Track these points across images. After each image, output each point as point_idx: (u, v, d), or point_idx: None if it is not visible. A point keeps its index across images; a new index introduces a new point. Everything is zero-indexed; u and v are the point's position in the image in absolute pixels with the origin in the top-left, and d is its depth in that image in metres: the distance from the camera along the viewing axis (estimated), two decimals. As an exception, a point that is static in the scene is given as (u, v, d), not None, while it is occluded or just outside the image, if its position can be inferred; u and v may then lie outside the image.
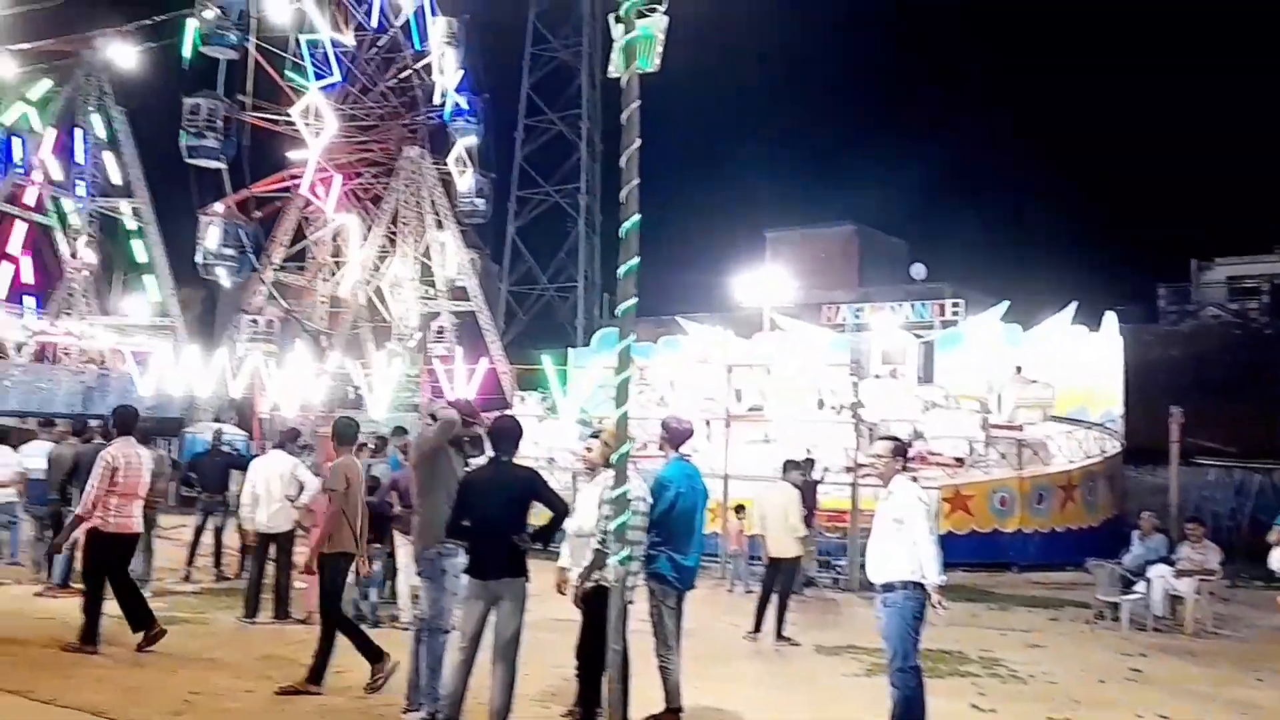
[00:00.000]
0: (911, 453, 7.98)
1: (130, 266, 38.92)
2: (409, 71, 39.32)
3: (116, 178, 37.46)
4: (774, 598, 11.04)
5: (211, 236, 34.89)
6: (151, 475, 11.47)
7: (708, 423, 18.90)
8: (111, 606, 8.78)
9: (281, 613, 10.78)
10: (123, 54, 35.21)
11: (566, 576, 7.01)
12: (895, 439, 7.48)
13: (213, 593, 12.56)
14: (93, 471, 8.85)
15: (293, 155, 36.18)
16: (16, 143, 34.59)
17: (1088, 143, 60.27)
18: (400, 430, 13.31)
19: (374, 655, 7.75)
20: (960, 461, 19.77)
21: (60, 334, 35.33)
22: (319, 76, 36.18)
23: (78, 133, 36.85)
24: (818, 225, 45.28)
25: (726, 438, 17.16)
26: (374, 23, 38.25)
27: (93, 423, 15.91)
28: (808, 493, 13.40)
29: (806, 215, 47.20)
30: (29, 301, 36.81)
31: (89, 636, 8.66)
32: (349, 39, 37.69)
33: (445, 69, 38.80)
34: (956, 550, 15.91)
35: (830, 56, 72.09)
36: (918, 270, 39.52)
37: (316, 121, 35.40)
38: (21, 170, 34.94)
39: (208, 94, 34.37)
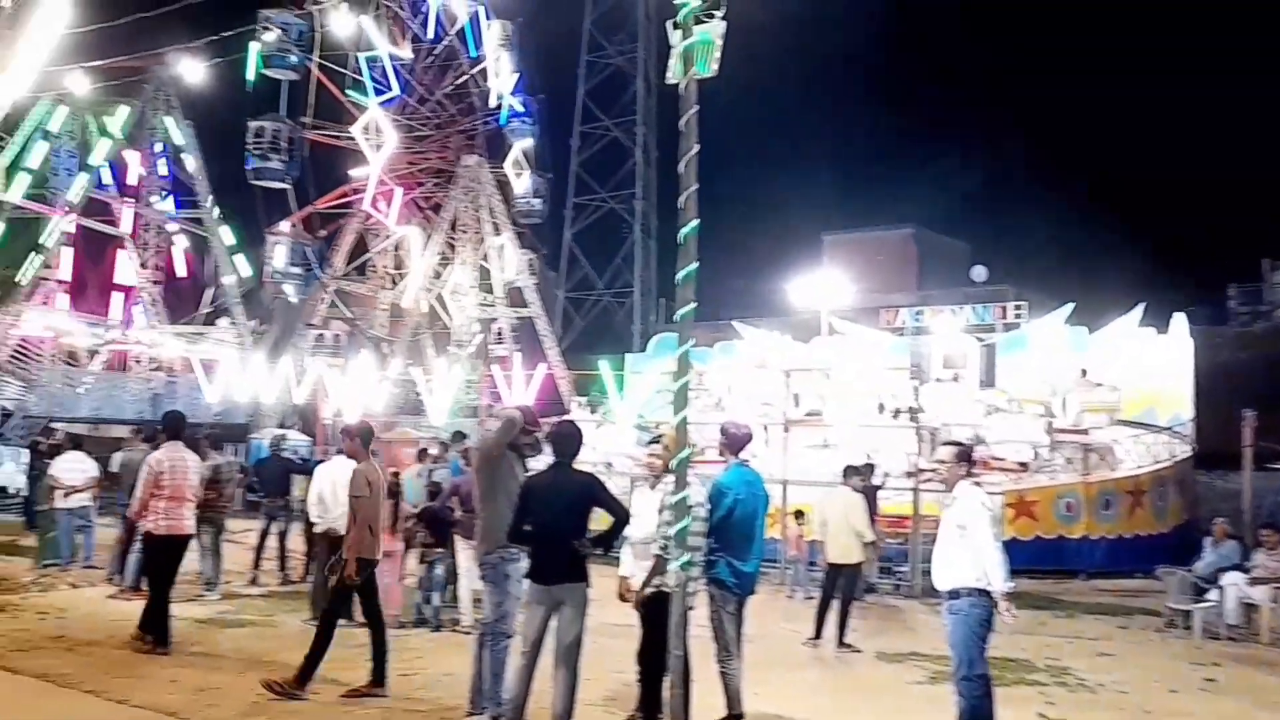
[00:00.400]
0: (974, 457, 7.86)
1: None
2: (465, 78, 39.73)
3: (189, 191, 38.48)
4: (835, 604, 10.96)
5: (279, 255, 35.85)
6: (221, 481, 11.76)
7: (766, 428, 18.79)
8: (183, 609, 8.97)
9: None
10: (190, 69, 36.08)
11: (629, 583, 7.02)
12: (959, 444, 7.39)
13: (279, 596, 12.77)
14: (139, 476, 9.14)
15: (355, 172, 36.85)
16: (101, 160, 35.81)
17: (1155, 140, 59.03)
18: (460, 435, 13.47)
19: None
20: (1024, 466, 19.44)
21: (130, 343, 36.28)
22: (378, 92, 36.78)
23: (152, 147, 37.91)
24: (876, 228, 44.86)
25: (785, 442, 17.05)
26: (430, 34, 38.72)
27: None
28: (868, 498, 13.27)
29: (864, 218, 46.83)
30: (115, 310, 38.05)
31: (160, 638, 8.90)
32: (406, 52, 38.23)
33: (500, 73, 39.16)
34: (1021, 556, 15.59)
35: (889, 57, 71.47)
36: (979, 273, 38.95)
37: (377, 136, 36.02)
38: (112, 188, 36.23)
39: (272, 116, 35.25)
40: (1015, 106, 67.77)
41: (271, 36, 34.70)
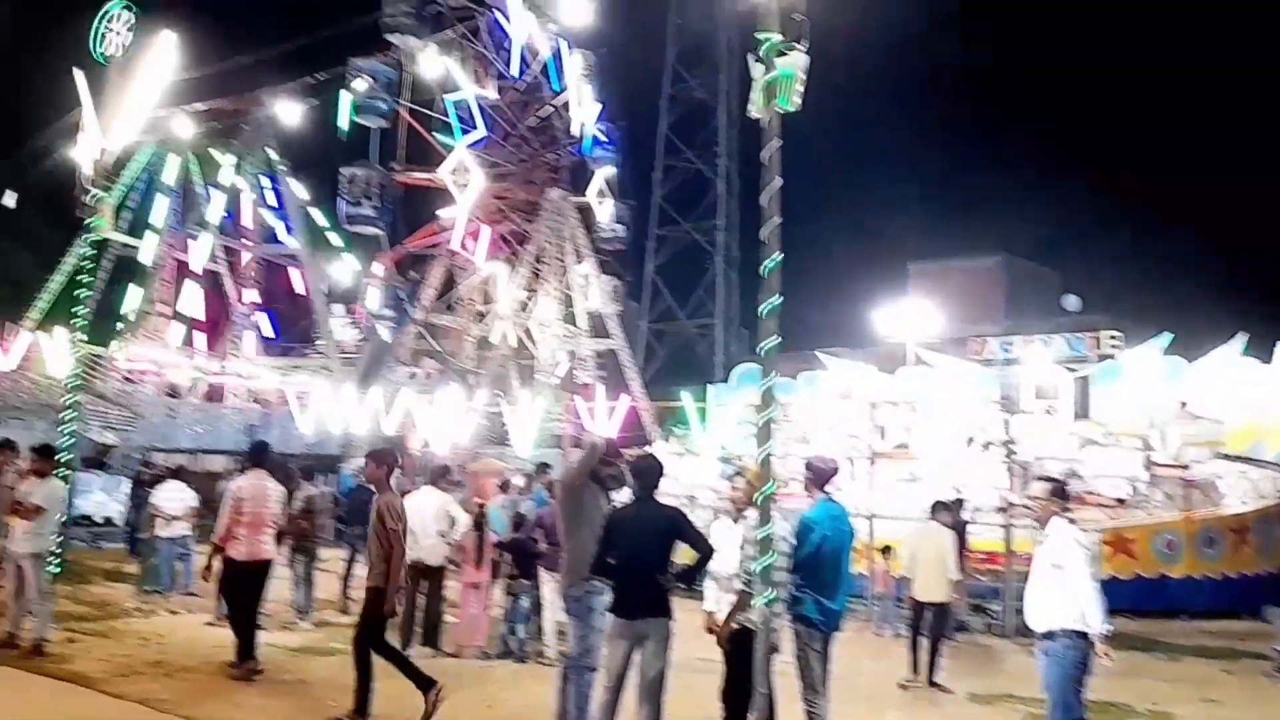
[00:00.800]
0: (1069, 493, 7.66)
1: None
2: (548, 111, 40.31)
3: (281, 228, 39.80)
4: (923, 642, 10.71)
5: (373, 297, 36.92)
6: (313, 511, 12.05)
7: (851, 461, 18.53)
8: (277, 637, 9.17)
9: (432, 644, 11.06)
10: (286, 111, 37.35)
11: (714, 618, 6.98)
12: (1053, 480, 7.22)
13: (368, 624, 12.94)
14: (221, 503, 9.45)
15: (443, 213, 37.71)
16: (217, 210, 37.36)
17: (1255, 164, 56.99)
18: (544, 467, 13.54)
19: (360, 706, 7.67)
20: (1121, 502, 18.81)
21: (228, 375, 37.45)
22: (465, 132, 37.61)
23: (245, 183, 39.31)
24: (962, 256, 44.17)
25: (871, 476, 16.79)
26: (514, 70, 39.43)
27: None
28: (958, 533, 12.98)
29: (950, 246, 46.14)
30: (199, 342, 39.35)
31: (244, 654, 9.20)
32: (491, 92, 39.01)
33: (583, 102, 39.67)
34: (1119, 596, 15.07)
35: (975, 83, 70.60)
36: (1070, 302, 38.04)
37: (464, 176, 36.85)
38: (223, 227, 37.81)
39: (363, 164, 36.43)
40: (1107, 131, 66.26)
41: (361, 85, 35.83)
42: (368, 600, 7.92)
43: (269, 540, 9.58)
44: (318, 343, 38.54)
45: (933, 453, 20.31)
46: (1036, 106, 71.20)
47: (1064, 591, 6.43)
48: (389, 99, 36.44)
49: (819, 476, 7.44)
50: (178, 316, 37.88)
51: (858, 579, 13.45)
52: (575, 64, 39.55)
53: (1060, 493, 6.94)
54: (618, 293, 41.95)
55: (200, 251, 36.15)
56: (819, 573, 7.01)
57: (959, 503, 14.61)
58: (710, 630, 7.01)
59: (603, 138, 40.51)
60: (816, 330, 39.96)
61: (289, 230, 39.32)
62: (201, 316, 38.68)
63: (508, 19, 38.02)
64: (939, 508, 11.89)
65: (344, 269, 38.96)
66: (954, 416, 21.66)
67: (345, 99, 35.71)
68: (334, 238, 39.11)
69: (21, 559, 9.54)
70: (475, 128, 37.81)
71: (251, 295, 40.08)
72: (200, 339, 39.62)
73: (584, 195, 40.52)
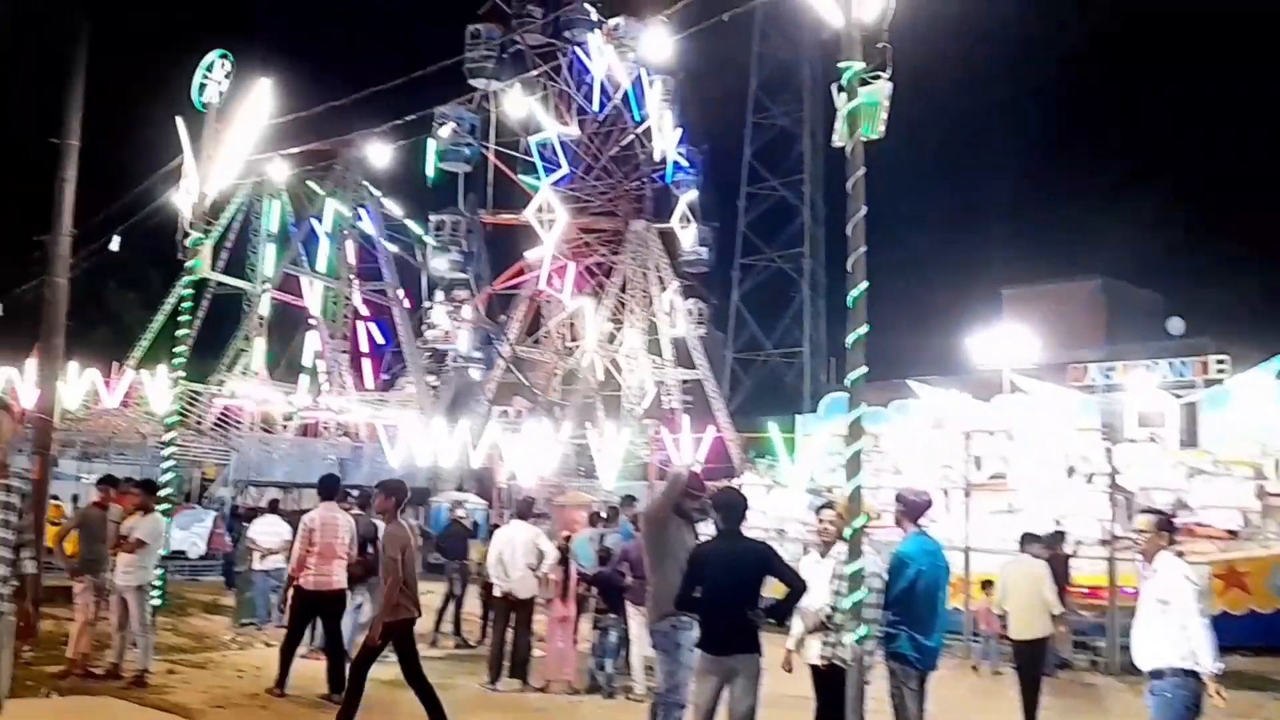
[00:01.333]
0: (1176, 526, 7.32)
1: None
2: (630, 139, 40.62)
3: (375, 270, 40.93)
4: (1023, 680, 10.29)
5: (463, 341, 37.63)
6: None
7: (945, 492, 18.08)
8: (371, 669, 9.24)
9: (520, 677, 11.04)
10: (376, 152, 38.36)
11: (793, 656, 6.85)
12: (1159, 513, 6.91)
13: (458, 658, 13.01)
14: (297, 534, 9.76)
15: (530, 255, 38.37)
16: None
17: (1368, 177, 54.41)
18: (630, 499, 13.48)
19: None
20: (1233, 534, 17.97)
21: (321, 410, 38.38)
22: (549, 171, 38.19)
23: (332, 222, 40.52)
24: (1059, 279, 43.01)
25: (966, 508, 16.35)
26: (595, 105, 39.89)
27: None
28: (1057, 567, 12.51)
29: (1046, 269, 44.97)
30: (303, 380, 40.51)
31: (280, 681, 9.57)
32: (574, 129, 39.56)
33: (664, 129, 39.93)
34: (1233, 633, 14.33)
35: (1068, 101, 68.92)
36: (1175, 325, 36.74)
37: (549, 214, 37.41)
38: (305, 265, 39.02)
39: (451, 210, 37.41)
40: (1209, 149, 64.05)
41: (446, 131, 36.71)
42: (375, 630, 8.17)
43: (339, 571, 9.77)
44: (407, 378, 39.34)
45: (1031, 483, 19.70)
46: (1135, 124, 69.22)
47: (1172, 629, 6.12)
48: (474, 142, 37.26)
49: (911, 510, 7.23)
50: (273, 353, 39.09)
51: (953, 614, 13.07)
52: (656, 91, 39.85)
53: (1166, 525, 6.62)
54: (702, 316, 41.86)
55: (295, 289, 37.28)
56: (914, 608, 6.81)
57: (1060, 535, 14.13)
58: (787, 669, 6.86)
59: (684, 163, 40.72)
60: (908, 358, 39.24)
61: (382, 268, 40.34)
62: (265, 349, 39.81)
63: (588, 56, 38.56)
64: (1029, 539, 11.47)
65: (436, 311, 39.70)
66: (1053, 445, 21.01)
67: (431, 147, 36.63)
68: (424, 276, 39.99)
69: (125, 591, 9.81)
70: (559, 166, 38.40)
71: (336, 334, 41.08)
72: (306, 375, 40.81)
73: (667, 221, 40.67)
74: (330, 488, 10.33)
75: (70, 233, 12.34)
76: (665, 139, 39.88)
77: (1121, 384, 26.84)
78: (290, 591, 9.76)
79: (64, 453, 24.02)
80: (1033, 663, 10.39)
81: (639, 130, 40.49)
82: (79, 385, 28.72)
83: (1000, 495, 19.58)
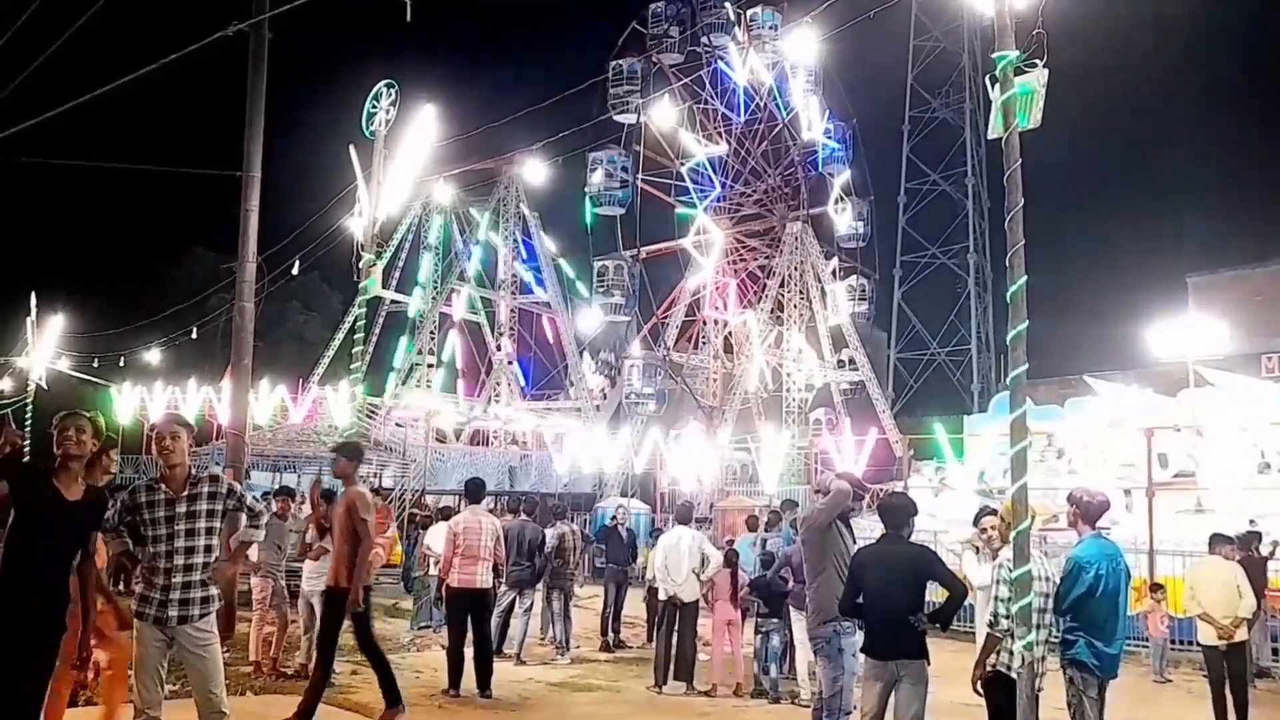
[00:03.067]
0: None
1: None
2: (778, 129, 40.27)
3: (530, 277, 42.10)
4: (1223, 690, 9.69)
5: (634, 377, 38.02)
6: (565, 548, 12.57)
7: (1127, 492, 17.21)
8: (537, 672, 9.54)
9: (686, 681, 11.12)
10: (533, 170, 39.53)
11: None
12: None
13: (625, 661, 13.22)
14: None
15: (690, 283, 38.71)
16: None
17: None
18: (791, 504, 13.41)
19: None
20: None
21: (490, 419, 39.64)
22: (702, 194, 38.42)
23: (498, 238, 41.85)
24: (1251, 265, 40.22)
25: (1150, 508, 15.52)
26: (741, 115, 39.73)
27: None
28: (1251, 569, 11.72)
29: (1235, 255, 42.18)
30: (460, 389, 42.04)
31: (452, 682, 9.86)
32: (721, 147, 39.54)
33: (810, 117, 39.45)
34: None
35: (1261, 77, 64.50)
36: (1381, 308, 33.80)
37: (705, 236, 37.71)
38: (480, 279, 40.60)
39: (613, 256, 38.09)
40: None
41: (598, 176, 37.43)
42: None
43: (483, 571, 10.13)
44: (570, 389, 40.21)
45: (1222, 481, 18.52)
46: (1329, 95, 64.07)
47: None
48: (628, 180, 37.86)
49: (1087, 512, 6.92)
50: (441, 365, 40.66)
51: (1135, 620, 12.49)
52: (799, 81, 39.36)
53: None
54: (864, 292, 40.88)
55: (460, 304, 38.67)
56: (1094, 614, 6.52)
57: (1256, 535, 13.24)
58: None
59: (833, 144, 40.10)
60: (1086, 352, 37.53)
61: (540, 282, 41.41)
62: (434, 361, 41.31)
63: (730, 67, 38.55)
64: (1218, 540, 10.80)
65: (591, 318, 40.46)
66: (1245, 441, 19.69)
67: (587, 196, 37.51)
68: (583, 286, 40.85)
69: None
70: (712, 187, 38.65)
71: (504, 345, 42.36)
72: (463, 386, 42.31)
73: (822, 206, 40.15)
74: (476, 492, 10.70)
75: (255, 259, 13.15)
76: (814, 127, 39.36)
77: (1323, 374, 24.87)
78: (441, 592, 10.22)
79: (258, 464, 25.59)
80: (1225, 671, 9.79)
81: (786, 121, 40.04)
82: (269, 402, 30.62)
83: (1187, 494, 18.51)
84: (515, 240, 41.67)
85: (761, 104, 40.16)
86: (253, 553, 10.22)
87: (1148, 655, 13.65)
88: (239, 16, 9.57)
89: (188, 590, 5.48)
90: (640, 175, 38.47)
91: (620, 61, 38.32)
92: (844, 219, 40.07)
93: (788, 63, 38.46)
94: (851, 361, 40.20)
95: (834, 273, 39.60)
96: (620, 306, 37.92)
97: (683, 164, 38.66)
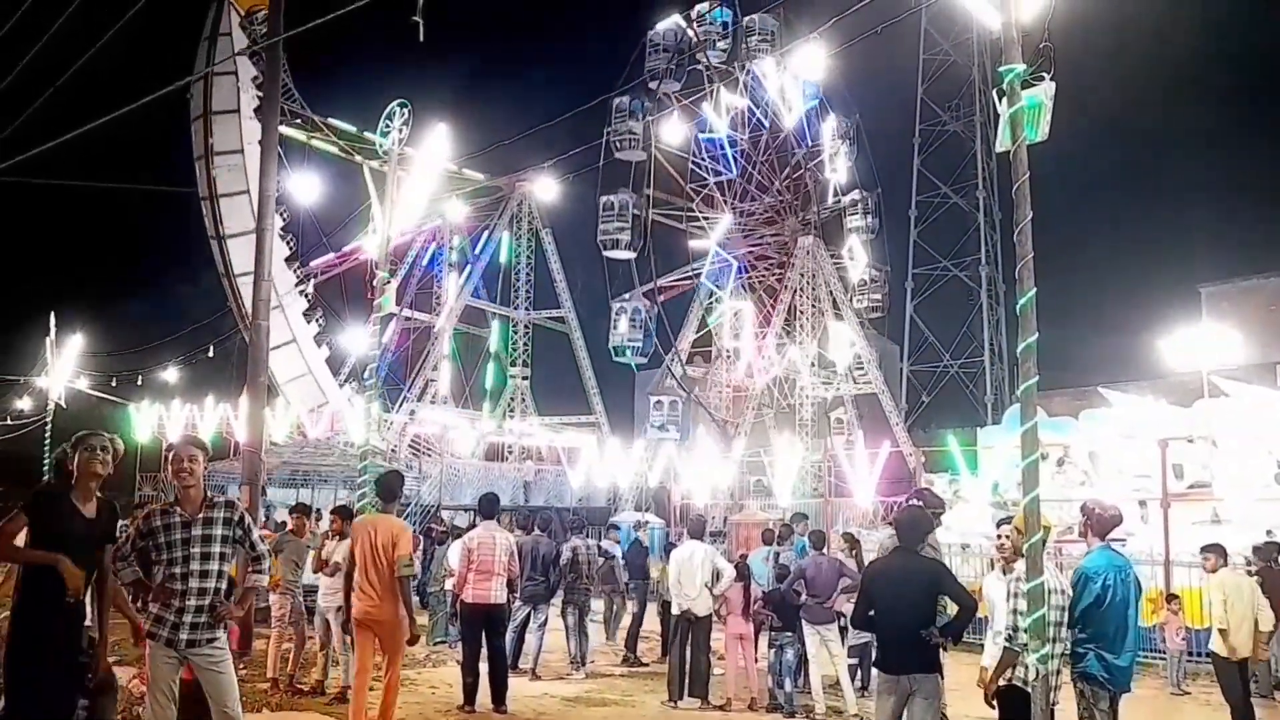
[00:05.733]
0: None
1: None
2: (783, 136, 40.16)
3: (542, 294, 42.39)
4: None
5: (657, 418, 37.72)
6: (579, 563, 12.59)
7: (1143, 503, 17.12)
8: (551, 687, 9.56)
9: (700, 695, 11.12)
10: (544, 187, 39.73)
11: (987, 673, 6.66)
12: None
13: (639, 676, 13.21)
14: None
15: (709, 319, 38.69)
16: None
17: None
18: (801, 516, 13.39)
19: None
20: None
21: (505, 434, 39.76)
22: (713, 223, 38.53)
23: (508, 253, 42.13)
24: (1264, 274, 40.08)
25: (1165, 519, 15.45)
26: (745, 133, 39.56)
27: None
28: (1275, 581, 11.66)
29: (1248, 264, 42.05)
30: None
31: (468, 698, 9.91)
32: (729, 174, 39.51)
33: (838, 167, 39.46)
34: None
35: (1271, 78, 64.29)
36: (1398, 317, 33.60)
37: (720, 265, 37.86)
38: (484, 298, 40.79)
39: (631, 299, 37.98)
40: None
41: (623, 325, 37.53)
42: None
43: (496, 587, 10.16)
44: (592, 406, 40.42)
45: (1238, 492, 18.42)
46: (1342, 102, 63.82)
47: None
48: (651, 329, 37.93)
49: (1099, 525, 6.92)
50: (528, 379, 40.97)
51: (1149, 632, 12.43)
52: (829, 126, 39.30)
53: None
54: (880, 286, 40.53)
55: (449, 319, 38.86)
56: (1103, 626, 6.52)
57: (1275, 545, 13.17)
58: (982, 686, 6.69)
59: (856, 203, 39.99)
60: (1100, 364, 37.49)
61: (555, 299, 41.64)
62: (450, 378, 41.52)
63: (764, 75, 38.56)
64: (1204, 551, 10.74)
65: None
66: (1261, 451, 19.59)
67: (612, 336, 37.91)
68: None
69: (326, 612, 10.47)
70: (723, 213, 38.85)
71: (517, 361, 42.51)
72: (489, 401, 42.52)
73: (830, 206, 40.02)
74: (489, 508, 10.72)
75: (270, 278, 13.24)
76: (838, 177, 39.42)
77: (1340, 383, 24.71)
78: (456, 608, 10.26)
79: (272, 480, 25.71)
80: (1239, 684, 9.75)
81: (791, 129, 39.84)
82: (286, 418, 30.78)
83: (1203, 505, 18.42)
84: (528, 257, 41.93)
85: (765, 115, 39.98)
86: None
87: (1165, 668, 13.58)
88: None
89: (200, 614, 5.55)
90: (650, 211, 38.52)
91: (620, 100, 38.32)
92: (857, 268, 39.81)
93: (788, 71, 38.41)
94: (861, 367, 39.94)
95: (845, 267, 39.45)
96: (638, 349, 38.00)
97: (694, 191, 38.76)
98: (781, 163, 40.42)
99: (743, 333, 39.17)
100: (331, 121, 34.80)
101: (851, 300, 39.87)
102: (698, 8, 38.86)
